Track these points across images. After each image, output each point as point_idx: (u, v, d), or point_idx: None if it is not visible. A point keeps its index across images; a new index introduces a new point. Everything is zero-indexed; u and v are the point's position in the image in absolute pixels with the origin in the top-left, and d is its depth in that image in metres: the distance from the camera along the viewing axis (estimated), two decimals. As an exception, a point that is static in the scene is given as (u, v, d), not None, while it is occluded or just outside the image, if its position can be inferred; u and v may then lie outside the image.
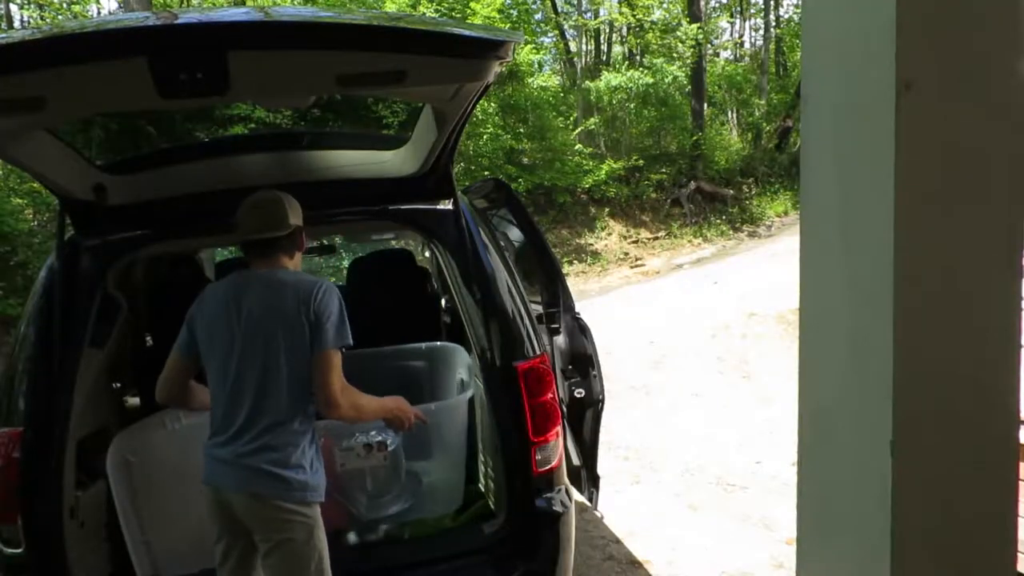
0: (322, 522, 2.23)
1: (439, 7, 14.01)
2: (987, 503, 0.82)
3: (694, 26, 17.34)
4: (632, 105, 18.10)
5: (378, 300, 3.62)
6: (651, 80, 17.46)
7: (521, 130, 16.15)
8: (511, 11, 16.66)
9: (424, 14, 13.67)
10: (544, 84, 17.18)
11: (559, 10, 19.76)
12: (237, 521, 2.19)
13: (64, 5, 13.37)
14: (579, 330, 3.29)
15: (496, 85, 15.00)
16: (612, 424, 5.74)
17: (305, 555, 2.17)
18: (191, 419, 2.64)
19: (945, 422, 0.79)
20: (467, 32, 2.15)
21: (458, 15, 14.18)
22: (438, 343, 3.12)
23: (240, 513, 2.18)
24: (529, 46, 16.68)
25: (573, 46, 20.73)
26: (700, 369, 7.34)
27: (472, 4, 14.58)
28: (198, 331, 2.32)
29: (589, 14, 20.01)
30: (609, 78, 17.66)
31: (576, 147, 16.81)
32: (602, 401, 3.30)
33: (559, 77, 18.90)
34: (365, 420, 2.40)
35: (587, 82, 18.29)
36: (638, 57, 19.88)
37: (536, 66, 17.11)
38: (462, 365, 3.24)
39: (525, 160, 16.12)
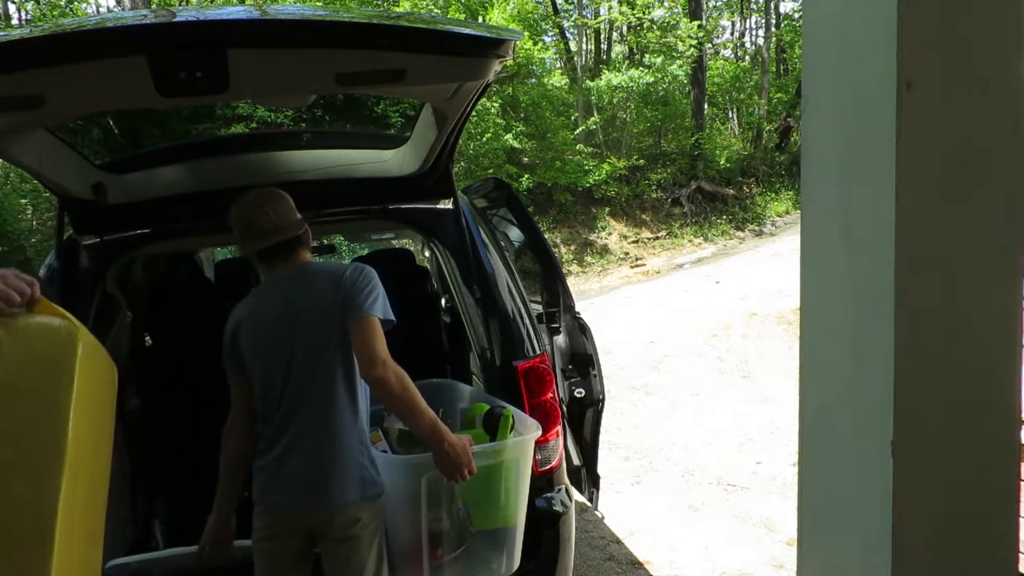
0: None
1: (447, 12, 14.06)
2: (987, 503, 0.82)
3: (694, 24, 17.33)
4: (632, 105, 18.11)
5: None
6: (651, 79, 17.47)
7: (522, 128, 16.15)
8: (528, 15, 16.67)
9: (425, 13, 13.69)
10: (555, 84, 17.17)
11: (559, 10, 19.76)
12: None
13: (63, 3, 13.38)
14: (579, 330, 3.29)
15: (498, 84, 15.04)
16: (612, 424, 5.75)
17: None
18: None
19: (945, 422, 0.79)
20: (467, 30, 2.15)
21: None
22: (433, 380, 3.04)
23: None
24: (537, 45, 16.71)
25: (573, 46, 20.73)
26: (700, 369, 7.34)
27: (484, 12, 14.66)
28: (247, 356, 2.24)
29: (589, 13, 20.01)
30: (610, 77, 17.67)
31: (577, 147, 16.82)
32: (602, 401, 3.30)
33: (560, 76, 18.87)
34: (413, 418, 2.02)
35: (588, 82, 18.30)
36: (638, 56, 19.88)
37: (544, 64, 17.12)
38: (463, 399, 3.12)
39: (525, 160, 16.12)
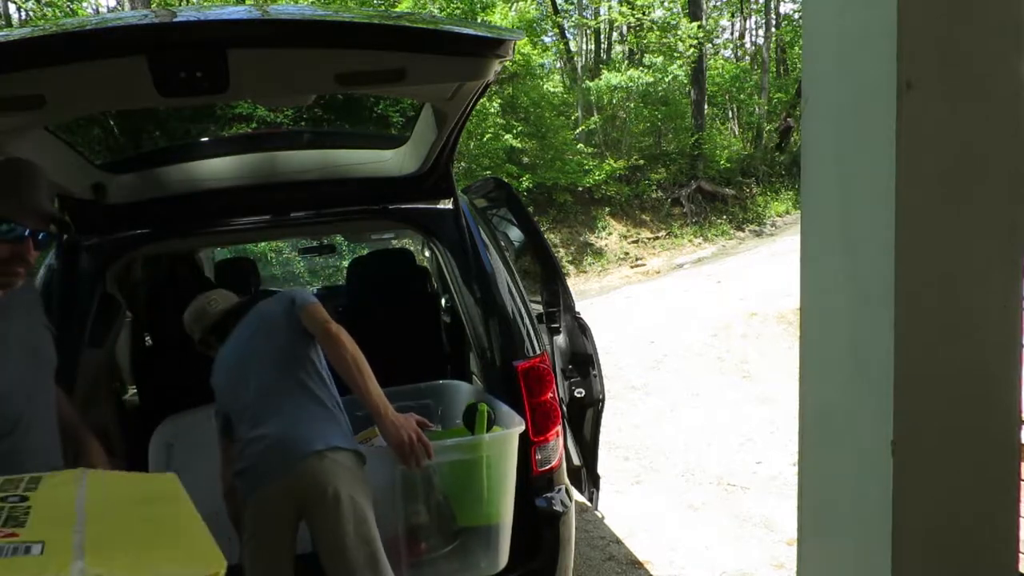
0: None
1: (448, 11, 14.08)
2: (987, 503, 0.82)
3: (695, 25, 17.34)
4: (632, 104, 18.11)
5: (378, 300, 3.62)
6: (651, 79, 17.48)
7: (522, 129, 16.16)
8: (528, 17, 16.67)
9: (426, 13, 13.69)
10: (553, 89, 17.17)
11: (559, 10, 19.76)
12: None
13: (64, 3, 13.37)
14: (579, 330, 3.29)
15: (497, 85, 15.04)
16: (612, 424, 5.75)
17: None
18: None
19: (945, 422, 0.79)
20: (467, 30, 2.15)
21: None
22: (439, 382, 3.02)
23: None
24: (536, 48, 16.71)
25: (573, 46, 20.73)
26: (700, 369, 7.34)
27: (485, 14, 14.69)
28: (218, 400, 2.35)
29: (589, 12, 20.01)
30: (609, 77, 17.66)
31: (578, 146, 16.82)
32: (602, 401, 3.29)
33: (560, 76, 18.88)
34: (361, 380, 2.05)
35: (588, 82, 18.30)
36: (638, 56, 19.88)
37: (544, 67, 17.13)
38: (466, 398, 3.09)
39: (526, 160, 16.12)
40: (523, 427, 2.28)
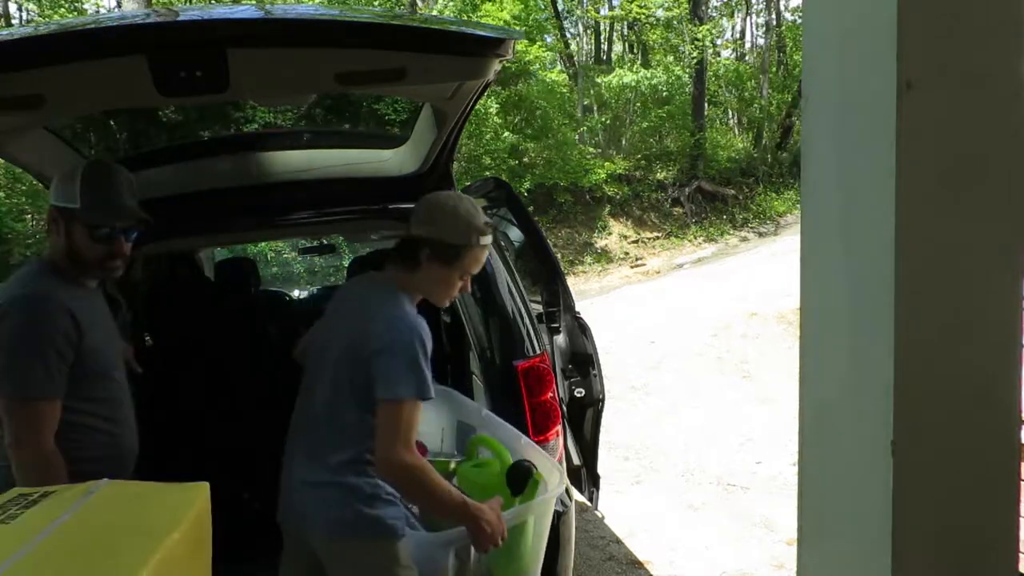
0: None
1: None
2: (988, 503, 0.82)
3: (702, 28, 17.35)
4: (639, 104, 18.12)
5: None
6: (663, 78, 17.47)
7: (523, 129, 16.15)
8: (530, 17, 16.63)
9: (426, 12, 13.69)
10: (555, 79, 17.14)
11: (560, 10, 19.75)
12: None
13: (65, 3, 13.37)
14: (579, 330, 3.28)
15: (498, 85, 15.05)
16: (612, 424, 5.74)
17: None
18: None
19: (945, 422, 0.79)
20: (467, 30, 2.15)
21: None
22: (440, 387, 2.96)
23: None
24: (536, 44, 16.69)
25: (573, 45, 20.73)
26: (700, 369, 7.34)
27: (484, 6, 14.67)
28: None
29: (588, 15, 20.01)
30: (621, 74, 17.65)
31: (578, 146, 16.82)
32: (602, 401, 3.29)
33: (560, 75, 18.87)
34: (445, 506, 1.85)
35: (598, 78, 18.29)
36: (638, 55, 19.88)
37: (546, 66, 17.11)
38: (463, 414, 2.87)
39: (526, 159, 16.11)
40: (563, 485, 2.16)
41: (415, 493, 1.89)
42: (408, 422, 1.80)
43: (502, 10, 15.04)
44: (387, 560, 1.93)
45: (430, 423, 2.53)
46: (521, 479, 2.14)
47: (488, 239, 1.97)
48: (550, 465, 2.22)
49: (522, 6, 15.69)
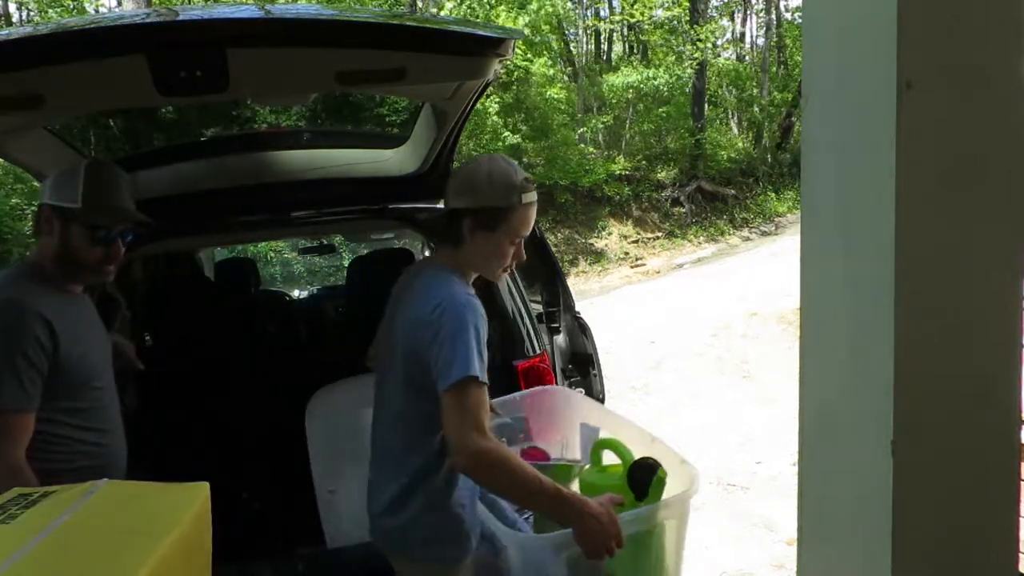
0: None
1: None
2: (987, 503, 0.82)
3: (703, 29, 17.36)
4: (641, 105, 18.13)
5: (378, 300, 3.61)
6: (664, 79, 17.46)
7: (523, 129, 16.16)
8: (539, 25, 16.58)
9: (427, 12, 13.70)
10: (555, 95, 17.12)
11: (562, 26, 19.73)
12: None
13: (68, 2, 13.37)
14: (579, 329, 3.28)
15: (500, 90, 15.06)
16: (612, 423, 5.74)
17: None
18: None
19: (945, 422, 0.79)
20: (467, 29, 2.15)
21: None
22: (545, 387, 2.91)
23: None
24: (543, 58, 16.68)
25: (573, 46, 20.73)
26: (700, 369, 7.33)
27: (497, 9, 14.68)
28: None
29: (589, 13, 20.02)
30: (626, 74, 17.65)
31: (579, 147, 16.83)
32: (602, 401, 3.29)
33: (562, 75, 18.87)
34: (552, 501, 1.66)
35: (601, 77, 18.29)
36: (638, 56, 19.89)
37: (548, 80, 17.09)
38: (582, 414, 2.82)
39: (526, 159, 16.12)
40: (698, 484, 1.83)
41: (497, 483, 1.70)
42: (473, 404, 1.65)
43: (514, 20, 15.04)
44: None
45: (550, 429, 2.36)
46: (643, 479, 1.85)
47: (531, 196, 1.84)
48: (682, 464, 1.94)
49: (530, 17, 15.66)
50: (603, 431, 2.18)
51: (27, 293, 1.77)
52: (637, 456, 1.92)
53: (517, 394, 2.43)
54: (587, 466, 2.10)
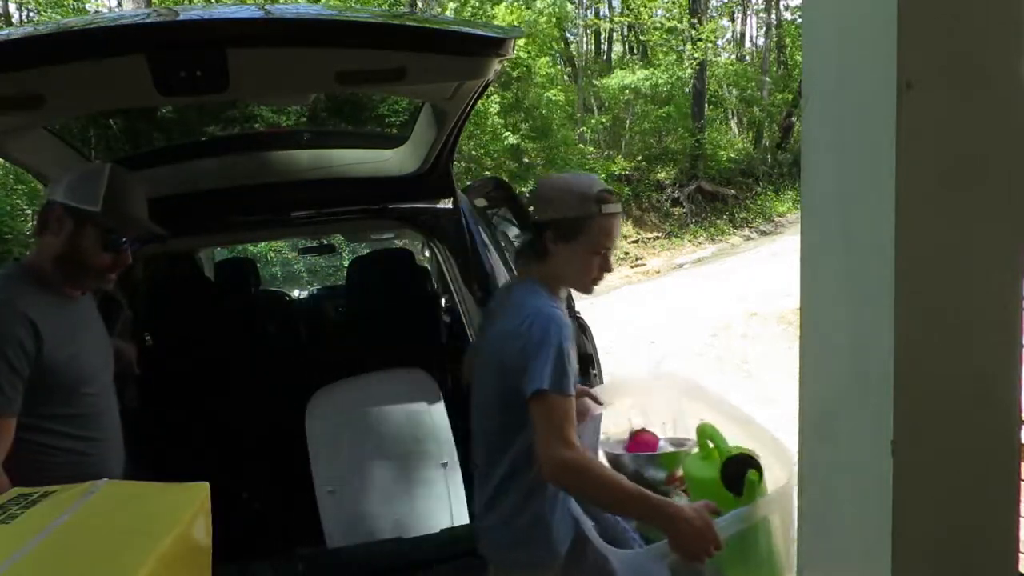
0: None
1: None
2: (988, 503, 0.82)
3: (703, 29, 17.36)
4: (639, 105, 18.12)
5: (378, 300, 3.62)
6: (664, 79, 17.45)
7: (524, 129, 16.15)
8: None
9: (427, 12, 13.70)
10: (555, 97, 17.10)
11: (563, 28, 19.72)
12: None
13: (69, 3, 13.36)
14: (579, 329, 3.28)
15: (500, 89, 15.05)
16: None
17: None
18: None
19: (945, 422, 0.79)
20: (467, 29, 2.15)
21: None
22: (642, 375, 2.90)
23: None
24: (545, 59, 16.69)
25: (573, 46, 20.73)
26: (700, 369, 7.33)
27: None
28: None
29: (589, 13, 20.02)
30: (622, 75, 17.65)
31: (579, 147, 16.83)
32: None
33: (562, 75, 18.86)
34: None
35: (597, 80, 18.29)
36: (637, 56, 19.89)
37: (552, 81, 17.08)
38: (685, 393, 2.75)
39: (526, 160, 16.11)
40: (794, 474, 1.83)
41: (583, 492, 1.75)
42: (559, 416, 1.68)
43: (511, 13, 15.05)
44: None
45: (655, 412, 2.35)
46: (736, 477, 1.82)
47: (612, 207, 1.85)
48: (783, 455, 1.88)
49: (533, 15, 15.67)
50: (706, 414, 2.14)
51: (15, 295, 1.72)
52: (734, 445, 1.91)
53: (627, 375, 2.41)
54: (694, 450, 2.07)
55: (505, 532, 1.87)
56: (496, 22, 14.36)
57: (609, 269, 1.92)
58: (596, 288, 1.96)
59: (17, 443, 1.67)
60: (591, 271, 1.88)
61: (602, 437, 2.22)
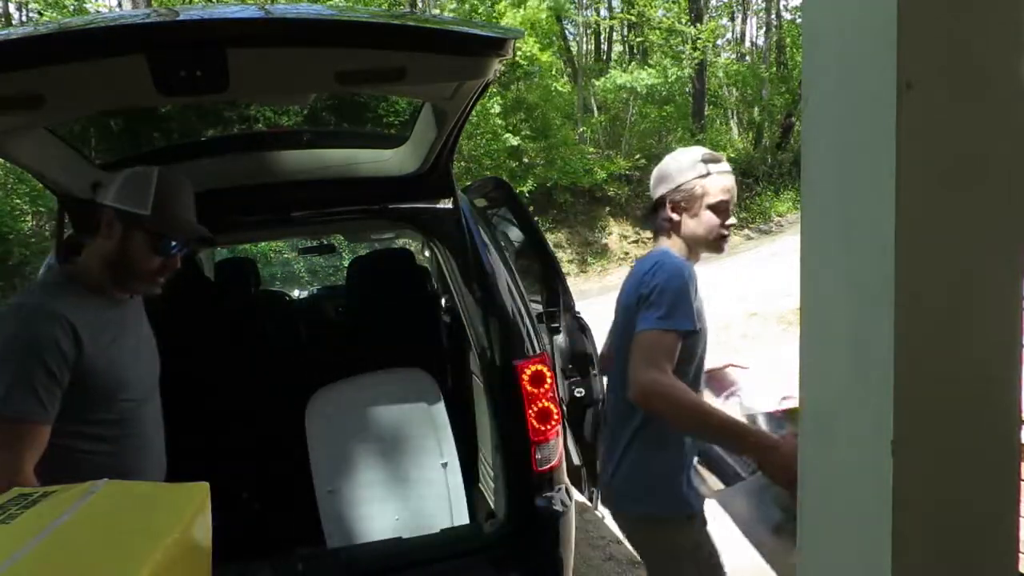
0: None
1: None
2: (988, 503, 0.82)
3: (707, 28, 17.35)
4: (637, 105, 18.12)
5: (378, 300, 3.62)
6: (658, 80, 17.47)
7: (524, 129, 16.15)
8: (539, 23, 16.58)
9: (427, 12, 13.70)
10: (560, 89, 17.10)
11: (561, 19, 19.73)
12: None
13: (70, 3, 13.36)
14: (579, 329, 3.29)
15: (501, 88, 15.05)
16: (612, 423, 5.73)
17: None
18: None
19: (945, 422, 0.79)
20: (467, 29, 2.15)
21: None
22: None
23: None
24: (548, 52, 16.70)
25: (573, 46, 20.72)
26: (700, 369, 7.33)
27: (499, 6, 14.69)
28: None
29: (589, 13, 20.01)
30: (615, 76, 17.66)
31: (579, 146, 16.83)
32: (602, 401, 3.29)
33: (563, 75, 18.86)
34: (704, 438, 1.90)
35: (594, 81, 18.30)
36: (638, 56, 19.89)
37: (551, 72, 17.09)
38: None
39: (526, 160, 16.11)
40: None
41: (673, 418, 1.84)
42: (655, 346, 1.81)
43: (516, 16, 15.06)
44: (665, 541, 2.02)
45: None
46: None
47: (719, 166, 2.01)
48: None
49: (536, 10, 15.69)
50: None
51: (57, 300, 1.70)
52: None
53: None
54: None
55: (633, 485, 1.99)
56: (504, 21, 14.38)
57: (731, 225, 2.09)
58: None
59: (51, 448, 1.64)
60: (715, 228, 2.06)
61: None
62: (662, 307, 1.86)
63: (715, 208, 2.02)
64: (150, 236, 1.79)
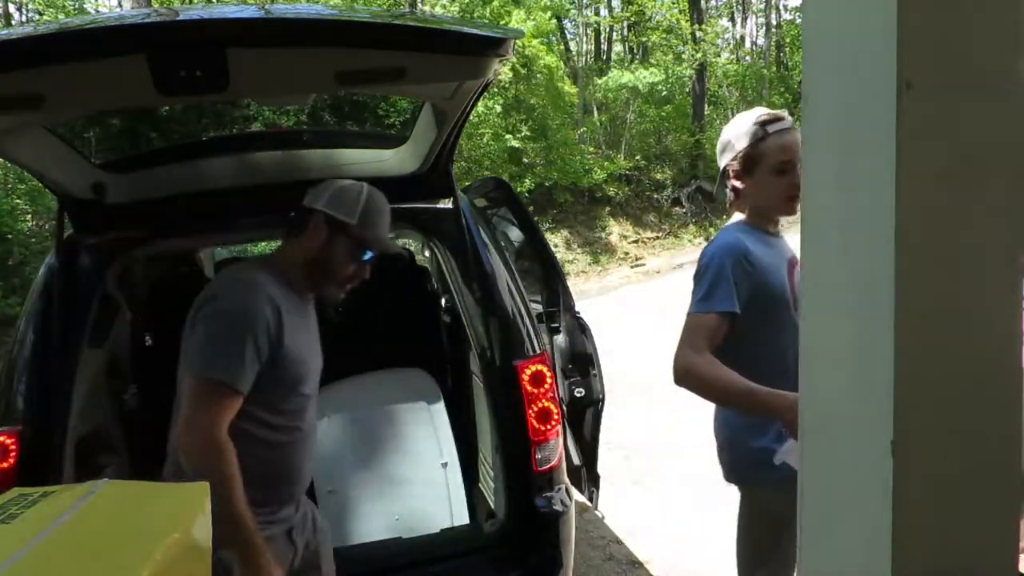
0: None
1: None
2: (987, 503, 0.82)
3: (708, 28, 17.37)
4: (636, 105, 18.13)
5: (377, 299, 3.62)
6: (659, 79, 17.47)
7: (524, 129, 16.15)
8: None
9: (428, 12, 13.70)
10: (564, 88, 17.10)
11: (561, 19, 19.74)
12: None
13: (70, 3, 13.36)
14: (579, 329, 3.29)
15: (502, 88, 15.05)
16: (612, 424, 5.73)
17: None
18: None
19: (945, 422, 0.79)
20: (467, 29, 2.15)
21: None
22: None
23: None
24: (551, 54, 16.73)
25: (573, 45, 20.73)
26: (700, 368, 7.33)
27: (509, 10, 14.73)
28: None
29: (589, 13, 20.01)
30: (617, 75, 17.67)
31: (579, 146, 16.83)
32: (602, 400, 3.29)
33: (563, 75, 18.88)
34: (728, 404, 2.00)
35: (596, 79, 18.31)
36: (638, 56, 19.90)
37: (552, 72, 17.09)
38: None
39: (526, 160, 16.11)
40: None
41: (704, 393, 1.96)
42: (690, 328, 1.87)
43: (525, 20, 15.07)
44: (749, 504, 2.16)
45: None
46: None
47: (779, 124, 1.98)
48: None
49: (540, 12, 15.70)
50: None
51: (269, 284, 1.82)
52: None
53: None
54: None
55: (739, 453, 2.15)
56: (513, 23, 14.39)
57: (798, 184, 2.00)
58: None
59: (231, 428, 1.72)
60: (782, 191, 1.99)
61: None
62: (702, 289, 1.91)
63: (777, 170, 1.97)
64: (351, 243, 1.90)
